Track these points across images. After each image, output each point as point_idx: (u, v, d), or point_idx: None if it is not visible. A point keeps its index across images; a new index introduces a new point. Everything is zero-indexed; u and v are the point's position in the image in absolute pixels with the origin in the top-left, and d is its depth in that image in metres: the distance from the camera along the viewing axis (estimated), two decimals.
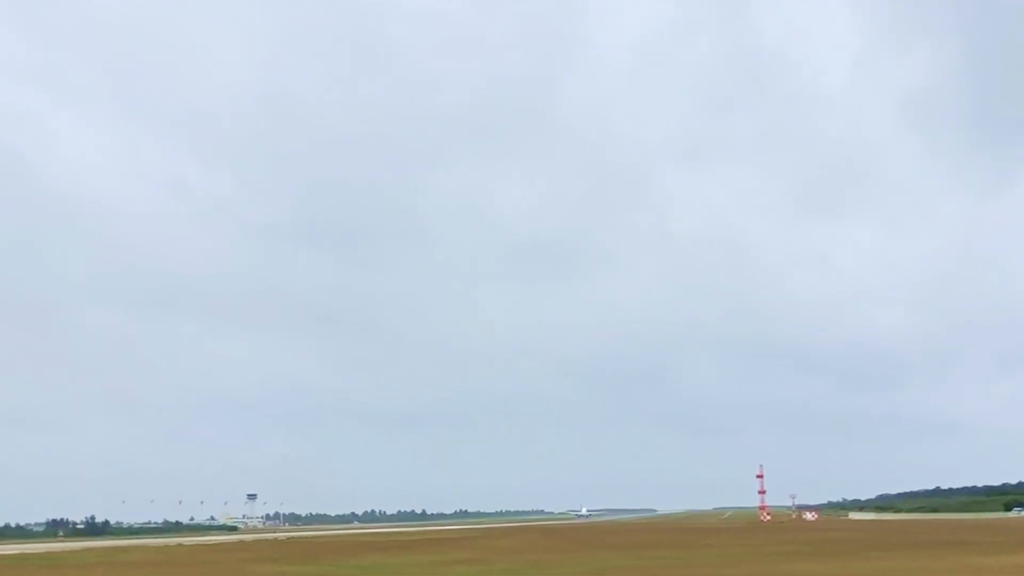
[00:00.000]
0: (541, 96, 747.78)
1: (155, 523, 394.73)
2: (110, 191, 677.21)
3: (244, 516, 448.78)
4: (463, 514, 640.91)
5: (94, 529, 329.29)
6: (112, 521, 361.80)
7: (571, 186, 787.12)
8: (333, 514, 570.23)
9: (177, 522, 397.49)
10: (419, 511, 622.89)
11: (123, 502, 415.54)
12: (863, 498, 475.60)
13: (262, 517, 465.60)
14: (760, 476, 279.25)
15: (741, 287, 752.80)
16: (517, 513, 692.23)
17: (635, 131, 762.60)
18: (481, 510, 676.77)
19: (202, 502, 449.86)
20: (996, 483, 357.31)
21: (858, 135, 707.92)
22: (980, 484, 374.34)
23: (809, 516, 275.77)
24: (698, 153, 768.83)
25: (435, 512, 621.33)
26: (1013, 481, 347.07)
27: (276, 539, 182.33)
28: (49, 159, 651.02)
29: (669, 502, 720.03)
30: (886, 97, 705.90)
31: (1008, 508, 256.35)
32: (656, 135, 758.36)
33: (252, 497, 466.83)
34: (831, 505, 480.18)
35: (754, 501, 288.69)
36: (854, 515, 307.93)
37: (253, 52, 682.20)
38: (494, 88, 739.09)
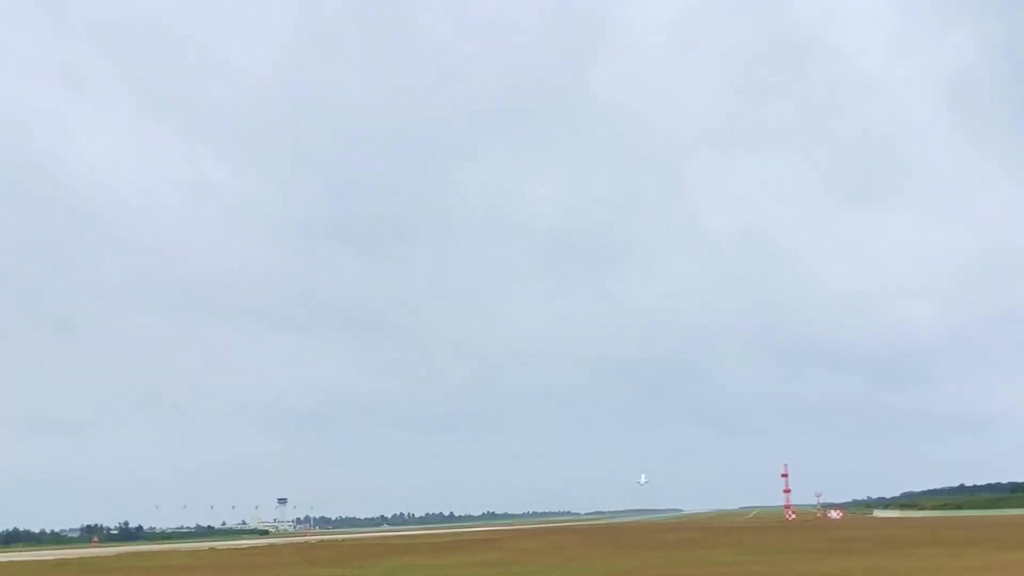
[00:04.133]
0: (571, 82, 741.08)
1: (187, 528, 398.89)
2: (134, 191, 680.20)
3: (275, 520, 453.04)
4: (491, 516, 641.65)
5: (128, 534, 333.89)
6: (145, 526, 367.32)
7: (602, 178, 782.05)
8: (362, 517, 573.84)
9: (209, 527, 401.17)
10: (447, 513, 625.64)
11: (156, 507, 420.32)
12: (887, 496, 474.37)
13: (293, 521, 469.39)
14: (785, 475, 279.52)
15: (774, 282, 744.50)
16: (545, 514, 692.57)
17: (668, 120, 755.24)
18: (509, 511, 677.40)
19: (234, 507, 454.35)
20: (1021, 479, 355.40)
21: (896, 121, 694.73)
22: (1005, 481, 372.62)
23: (834, 514, 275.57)
24: (732, 142, 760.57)
25: (463, 514, 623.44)
26: None
27: (307, 542, 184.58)
28: (71, 160, 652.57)
29: (695, 502, 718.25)
30: (925, 80, 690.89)
31: None
32: (689, 124, 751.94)
33: (283, 501, 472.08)
34: (856, 503, 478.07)
35: (779, 500, 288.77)
36: (879, 513, 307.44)
37: (274, 43, 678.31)
38: (522, 75, 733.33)
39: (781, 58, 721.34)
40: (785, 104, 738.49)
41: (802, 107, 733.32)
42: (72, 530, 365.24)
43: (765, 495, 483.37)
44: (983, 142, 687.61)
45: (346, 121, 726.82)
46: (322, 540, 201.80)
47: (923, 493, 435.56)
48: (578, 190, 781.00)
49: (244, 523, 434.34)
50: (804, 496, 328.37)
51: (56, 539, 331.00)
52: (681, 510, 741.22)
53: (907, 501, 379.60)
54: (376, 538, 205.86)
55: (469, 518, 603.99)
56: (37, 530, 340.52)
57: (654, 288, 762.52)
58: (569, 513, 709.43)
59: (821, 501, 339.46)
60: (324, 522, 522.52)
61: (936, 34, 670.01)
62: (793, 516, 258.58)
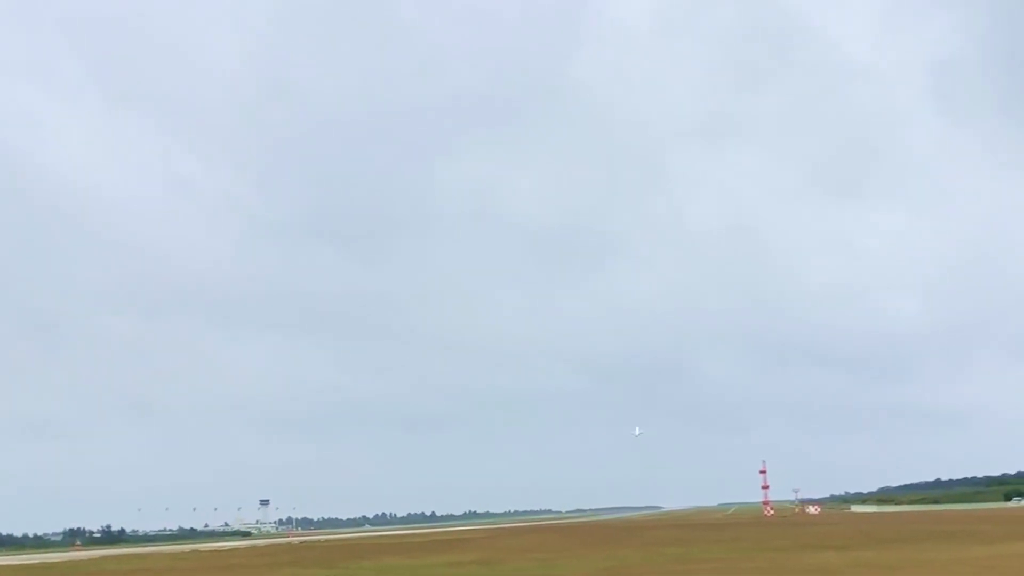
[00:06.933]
0: (552, 72, 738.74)
1: (170, 530, 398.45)
2: (111, 190, 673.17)
3: (257, 522, 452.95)
4: (472, 515, 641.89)
5: (111, 537, 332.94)
6: (128, 529, 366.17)
7: (584, 171, 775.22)
8: (344, 518, 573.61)
9: (192, 529, 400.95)
10: (429, 513, 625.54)
11: (138, 510, 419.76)
12: (865, 491, 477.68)
13: (275, 522, 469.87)
14: (763, 472, 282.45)
15: (758, 277, 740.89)
16: (526, 513, 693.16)
17: (651, 110, 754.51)
18: (490, 511, 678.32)
19: (216, 509, 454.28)
20: (996, 473, 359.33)
21: (882, 109, 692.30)
22: (980, 475, 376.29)
23: (812, 510, 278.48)
24: (716, 133, 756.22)
25: (445, 514, 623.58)
26: (1012, 471, 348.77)
27: (290, 544, 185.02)
28: (45, 158, 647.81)
29: (673, 499, 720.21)
30: (912, 66, 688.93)
31: (1008, 498, 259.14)
32: (673, 114, 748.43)
33: (265, 503, 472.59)
34: (833, 498, 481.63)
35: (757, 496, 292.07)
36: (856, 508, 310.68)
37: (248, 36, 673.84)
38: (503, 65, 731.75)
39: (765, 45, 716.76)
40: (770, 92, 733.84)
41: (787, 95, 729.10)
42: (55, 534, 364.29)
43: (743, 492, 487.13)
44: (969, 130, 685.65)
45: (324, 115, 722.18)
46: (305, 541, 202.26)
47: (900, 488, 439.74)
48: (561, 183, 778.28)
49: (227, 525, 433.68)
50: (782, 492, 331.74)
51: (39, 543, 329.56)
52: (661, 507, 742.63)
53: (884, 496, 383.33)
54: (358, 538, 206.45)
55: (451, 517, 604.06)
56: (20, 534, 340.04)
57: (637, 284, 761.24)
58: (550, 511, 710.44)
59: (799, 497, 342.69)
60: (306, 523, 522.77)
61: (922, 18, 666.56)
62: (772, 512, 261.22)
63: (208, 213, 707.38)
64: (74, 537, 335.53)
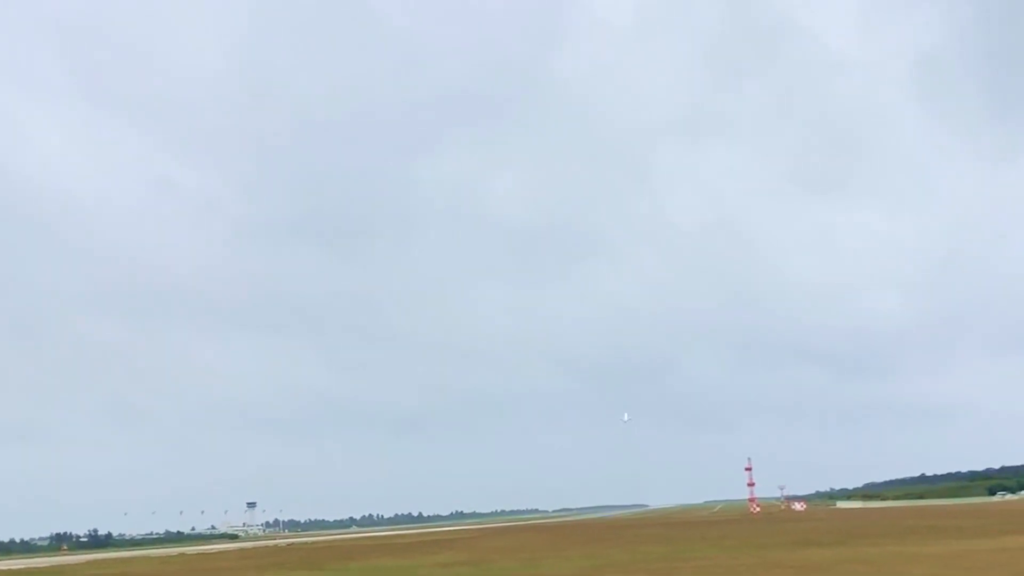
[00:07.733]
0: (534, 69, 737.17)
1: (157, 534, 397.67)
2: (95, 194, 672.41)
3: (244, 524, 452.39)
4: (459, 515, 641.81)
5: (97, 542, 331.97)
6: (115, 533, 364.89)
7: (566, 169, 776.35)
8: (331, 519, 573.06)
9: (179, 532, 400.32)
10: (416, 514, 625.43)
11: (125, 514, 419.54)
12: (850, 487, 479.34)
13: (262, 524, 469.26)
14: (748, 469, 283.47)
15: (741, 274, 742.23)
16: (512, 513, 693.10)
17: (634, 106, 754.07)
18: (477, 511, 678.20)
19: (203, 512, 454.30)
20: (980, 468, 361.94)
21: (865, 105, 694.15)
22: (964, 470, 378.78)
23: (797, 507, 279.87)
24: (699, 129, 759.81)
25: (431, 514, 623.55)
26: (996, 466, 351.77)
27: (277, 546, 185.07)
28: (26, 162, 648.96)
29: (660, 497, 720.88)
30: (894, 61, 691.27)
31: (992, 492, 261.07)
32: (656, 110, 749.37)
33: (251, 505, 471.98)
34: (818, 495, 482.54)
35: (743, 494, 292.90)
36: (841, 504, 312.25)
37: (231, 37, 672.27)
38: (485, 62, 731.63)
39: (748, 41, 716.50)
40: (753, 88, 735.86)
41: (770, 92, 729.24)
42: (42, 538, 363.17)
43: (729, 489, 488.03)
44: (952, 125, 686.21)
45: (307, 115, 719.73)
46: (292, 543, 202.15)
47: (885, 483, 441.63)
48: (543, 181, 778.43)
49: (214, 528, 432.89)
50: (768, 489, 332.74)
51: (26, 548, 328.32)
52: (647, 506, 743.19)
53: (869, 492, 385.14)
54: (346, 540, 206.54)
55: (438, 518, 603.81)
56: (6, 539, 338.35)
57: (620, 282, 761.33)
58: (536, 511, 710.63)
59: (784, 494, 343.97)
60: (293, 525, 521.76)
61: (904, 12, 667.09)
62: (758, 509, 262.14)
63: (192, 215, 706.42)
64: (61, 542, 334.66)
